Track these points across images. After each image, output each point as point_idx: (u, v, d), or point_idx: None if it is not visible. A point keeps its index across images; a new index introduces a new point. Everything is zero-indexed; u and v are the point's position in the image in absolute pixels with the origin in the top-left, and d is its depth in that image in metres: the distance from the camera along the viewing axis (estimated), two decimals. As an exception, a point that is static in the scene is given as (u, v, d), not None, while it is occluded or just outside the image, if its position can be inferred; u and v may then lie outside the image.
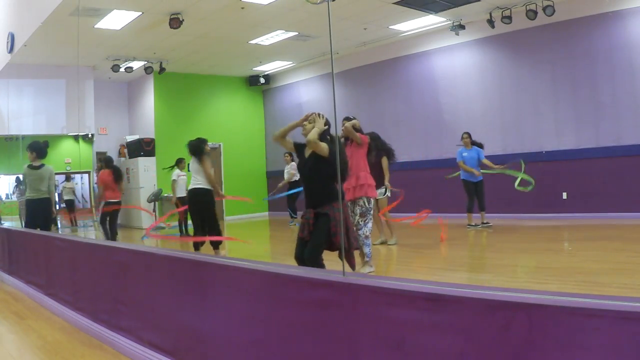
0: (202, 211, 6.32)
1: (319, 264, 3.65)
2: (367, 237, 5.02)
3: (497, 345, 1.58)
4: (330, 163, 3.64)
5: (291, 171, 10.65)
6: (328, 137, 3.77)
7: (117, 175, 8.13)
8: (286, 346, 2.31)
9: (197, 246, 6.32)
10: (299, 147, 3.94)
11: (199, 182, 6.23)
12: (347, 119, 5.27)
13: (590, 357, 1.40)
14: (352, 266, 3.79)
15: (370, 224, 5.05)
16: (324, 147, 3.65)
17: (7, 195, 11.42)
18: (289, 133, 3.99)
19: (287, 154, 10.99)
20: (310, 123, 3.82)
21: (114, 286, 3.87)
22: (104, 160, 8.49)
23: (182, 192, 9.00)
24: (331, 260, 5.85)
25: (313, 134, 3.66)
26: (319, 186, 3.72)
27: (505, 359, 1.57)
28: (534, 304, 1.52)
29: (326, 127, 3.77)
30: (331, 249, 3.73)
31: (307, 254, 3.64)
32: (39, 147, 6.78)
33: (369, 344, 1.94)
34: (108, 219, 8.04)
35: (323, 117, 3.83)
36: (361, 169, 5.07)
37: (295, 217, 10.73)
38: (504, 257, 5.90)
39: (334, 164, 3.59)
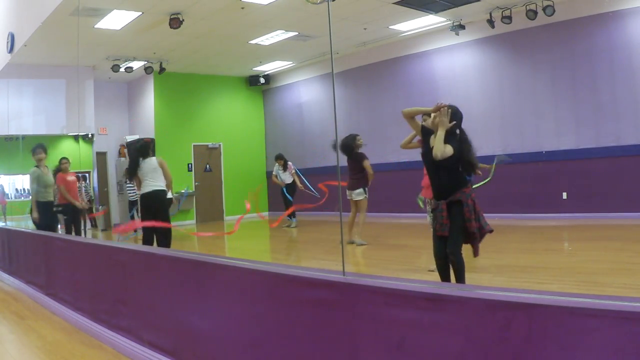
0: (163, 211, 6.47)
1: (462, 258, 3.64)
2: None
3: (497, 345, 1.58)
4: (457, 154, 3.58)
5: (291, 171, 10.62)
6: (457, 131, 3.70)
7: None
8: (286, 346, 2.31)
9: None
10: (425, 132, 3.86)
11: (157, 183, 6.24)
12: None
13: (590, 357, 1.40)
14: (476, 251, 3.72)
15: None
16: (448, 150, 3.56)
17: (7, 195, 11.40)
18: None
19: (279, 159, 10.93)
20: (436, 118, 3.70)
21: (114, 286, 3.87)
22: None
23: None
24: (331, 259, 5.85)
25: (438, 146, 3.54)
26: (445, 174, 3.64)
27: (505, 359, 1.57)
28: (534, 304, 1.52)
29: (453, 122, 3.68)
30: (465, 238, 3.66)
31: (450, 248, 3.62)
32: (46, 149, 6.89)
33: (369, 344, 1.94)
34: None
35: (449, 113, 3.69)
36: None
37: (291, 219, 10.61)
38: (504, 257, 5.89)
39: (460, 156, 3.59)
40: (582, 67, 8.61)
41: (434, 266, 5.12)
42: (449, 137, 3.64)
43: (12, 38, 8.65)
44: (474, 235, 3.65)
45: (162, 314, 3.24)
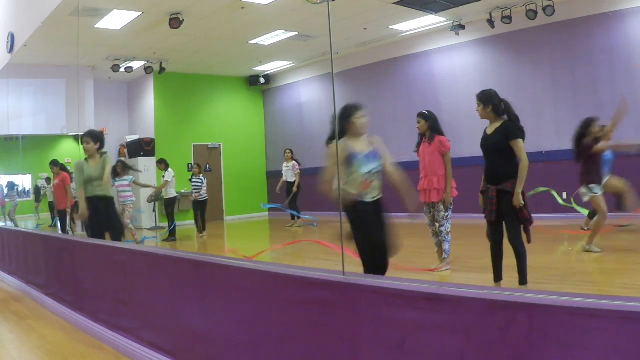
0: None
1: (523, 245, 3.80)
2: (448, 233, 5.11)
3: (497, 345, 1.58)
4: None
5: (295, 171, 10.49)
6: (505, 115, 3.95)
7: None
8: (286, 346, 2.31)
9: None
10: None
11: None
12: (422, 115, 5.19)
13: (590, 357, 1.40)
14: (529, 237, 3.87)
15: (450, 222, 5.13)
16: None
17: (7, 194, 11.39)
18: None
19: (288, 150, 10.81)
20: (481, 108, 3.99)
21: (114, 286, 3.87)
22: (59, 165, 8.59)
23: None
24: (332, 259, 5.84)
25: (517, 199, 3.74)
26: (501, 161, 3.85)
27: (505, 359, 1.56)
28: (534, 304, 1.52)
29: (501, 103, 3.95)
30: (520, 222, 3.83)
31: (510, 237, 3.79)
32: (102, 138, 5.54)
33: (369, 344, 1.94)
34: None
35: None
36: (436, 172, 5.08)
37: (300, 218, 10.46)
38: (504, 257, 5.87)
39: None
40: (582, 67, 8.60)
41: (434, 265, 5.14)
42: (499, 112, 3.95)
43: (12, 38, 8.65)
44: (527, 221, 3.81)
45: (162, 314, 3.24)
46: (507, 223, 3.81)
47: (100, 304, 4.03)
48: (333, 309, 2.09)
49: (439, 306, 1.73)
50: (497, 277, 3.99)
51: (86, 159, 5.35)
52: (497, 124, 3.92)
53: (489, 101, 3.93)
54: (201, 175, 9.81)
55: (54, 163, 8.59)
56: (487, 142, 3.95)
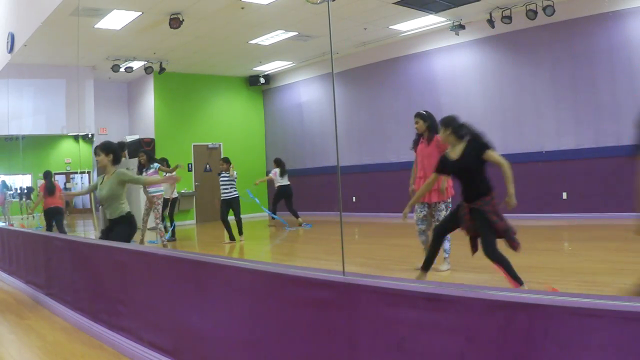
0: None
1: (500, 255, 3.80)
2: None
3: (497, 345, 1.58)
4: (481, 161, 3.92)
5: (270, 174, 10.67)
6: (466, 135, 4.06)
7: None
8: (286, 346, 2.31)
9: None
10: (443, 160, 4.17)
11: None
12: (420, 115, 5.21)
13: (590, 357, 1.40)
14: (514, 246, 3.88)
15: None
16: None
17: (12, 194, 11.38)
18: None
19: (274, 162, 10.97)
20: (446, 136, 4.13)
21: (114, 286, 3.87)
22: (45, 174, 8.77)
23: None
24: (332, 259, 5.85)
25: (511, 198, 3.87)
26: (474, 182, 3.92)
27: (505, 359, 1.56)
28: (534, 304, 1.52)
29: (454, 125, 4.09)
30: (497, 235, 3.89)
31: (486, 252, 3.82)
32: (115, 149, 4.74)
33: (369, 344, 1.94)
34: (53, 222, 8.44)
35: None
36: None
37: (275, 218, 10.55)
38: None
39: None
40: (582, 67, 8.60)
41: (433, 265, 5.14)
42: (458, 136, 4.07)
43: (12, 38, 8.65)
44: (504, 233, 3.83)
45: (162, 314, 3.24)
46: (482, 237, 3.86)
47: (100, 304, 4.03)
48: (333, 309, 2.09)
49: (439, 306, 1.73)
50: (427, 266, 4.18)
51: (104, 176, 4.72)
52: (460, 147, 3.97)
53: (449, 124, 4.04)
54: (230, 169, 8.79)
55: (45, 175, 8.81)
56: (457, 166, 3.99)
